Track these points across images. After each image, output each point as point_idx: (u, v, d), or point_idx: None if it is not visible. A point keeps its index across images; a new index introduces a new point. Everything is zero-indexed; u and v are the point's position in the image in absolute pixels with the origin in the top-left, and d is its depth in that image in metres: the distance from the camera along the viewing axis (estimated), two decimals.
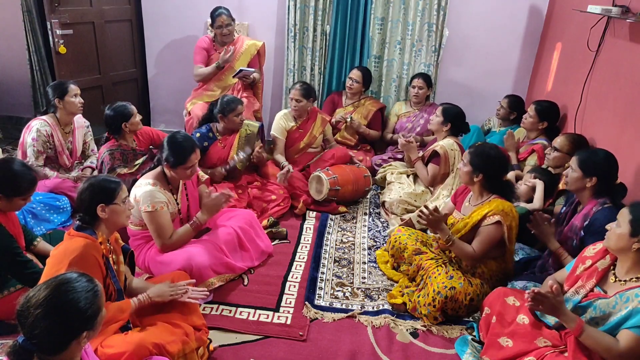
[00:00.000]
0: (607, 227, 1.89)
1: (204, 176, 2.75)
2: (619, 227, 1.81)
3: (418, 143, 3.72)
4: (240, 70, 3.98)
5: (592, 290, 1.89)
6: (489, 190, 2.52)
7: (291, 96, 3.77)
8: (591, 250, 2.00)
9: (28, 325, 1.26)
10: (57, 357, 1.31)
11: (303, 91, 3.74)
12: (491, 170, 2.48)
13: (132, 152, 3.28)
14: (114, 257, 1.99)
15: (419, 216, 2.46)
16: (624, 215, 1.81)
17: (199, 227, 2.57)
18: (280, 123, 3.85)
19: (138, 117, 3.26)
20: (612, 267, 1.89)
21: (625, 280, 1.81)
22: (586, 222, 2.27)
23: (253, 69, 4.08)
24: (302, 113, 3.82)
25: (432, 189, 3.53)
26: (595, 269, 1.92)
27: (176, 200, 2.59)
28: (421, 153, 3.64)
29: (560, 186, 2.85)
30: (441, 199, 3.32)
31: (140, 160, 3.26)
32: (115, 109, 3.19)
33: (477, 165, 2.47)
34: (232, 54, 3.91)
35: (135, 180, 2.55)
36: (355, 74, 4.20)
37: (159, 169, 2.54)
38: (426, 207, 2.43)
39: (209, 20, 4.41)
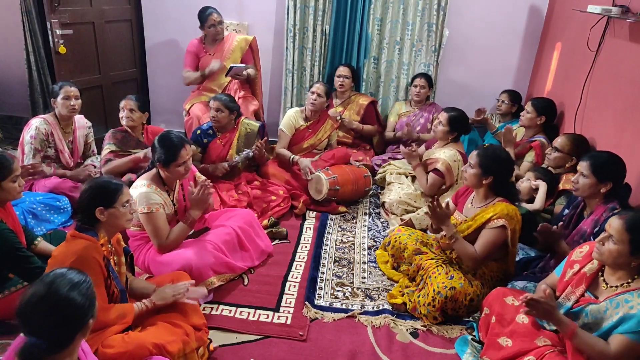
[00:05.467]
0: (597, 241, 1.83)
1: (200, 177, 2.74)
2: (615, 245, 1.76)
3: (414, 143, 3.65)
4: (231, 68, 3.96)
5: (582, 295, 1.89)
6: (494, 193, 2.49)
7: (313, 89, 3.78)
8: (578, 253, 1.99)
9: (35, 324, 1.27)
10: (62, 353, 1.32)
11: (325, 88, 3.80)
12: (501, 172, 2.45)
13: (135, 141, 3.33)
14: (115, 258, 1.99)
15: (429, 206, 2.43)
16: (620, 232, 1.74)
17: (193, 224, 2.55)
18: (291, 120, 3.84)
19: (126, 113, 3.24)
20: (600, 272, 1.89)
21: (616, 286, 1.81)
22: (597, 229, 2.24)
23: (244, 65, 4.06)
24: (317, 110, 3.82)
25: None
26: (583, 274, 1.91)
27: (172, 201, 2.58)
28: (420, 148, 3.62)
29: (561, 186, 2.85)
30: (442, 200, 3.31)
31: (136, 152, 3.27)
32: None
33: (487, 168, 2.43)
34: (219, 66, 3.94)
35: (132, 182, 2.55)
36: (344, 70, 4.18)
37: (154, 170, 2.53)
38: (437, 199, 2.41)
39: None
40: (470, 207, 2.58)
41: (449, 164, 3.28)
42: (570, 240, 2.39)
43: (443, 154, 3.33)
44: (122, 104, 3.27)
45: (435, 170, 3.32)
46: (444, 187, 3.38)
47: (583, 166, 2.32)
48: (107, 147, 3.27)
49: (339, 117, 4.14)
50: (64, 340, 1.31)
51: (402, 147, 3.62)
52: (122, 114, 3.27)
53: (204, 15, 3.98)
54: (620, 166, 2.29)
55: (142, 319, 1.97)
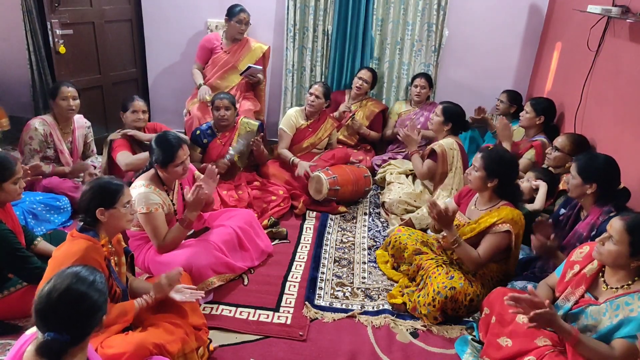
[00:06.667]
0: (597, 241, 1.84)
1: (200, 176, 2.74)
2: (615, 245, 1.76)
3: (419, 136, 3.63)
4: (249, 67, 3.99)
5: (582, 296, 1.89)
6: (499, 196, 2.48)
7: (312, 91, 3.79)
8: (578, 253, 1.99)
9: (57, 318, 1.28)
10: (78, 346, 1.33)
11: (324, 89, 3.80)
12: (507, 175, 2.44)
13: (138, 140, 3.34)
14: (115, 259, 1.99)
15: (430, 206, 2.39)
16: (620, 233, 1.75)
17: (190, 225, 2.54)
18: (291, 119, 3.84)
19: (141, 115, 3.28)
20: (600, 273, 1.89)
21: (616, 288, 1.81)
22: (593, 233, 2.24)
23: (260, 67, 4.10)
24: (316, 111, 3.83)
25: (430, 188, 3.51)
26: (583, 275, 1.91)
27: (172, 201, 2.58)
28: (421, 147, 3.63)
29: (561, 186, 2.85)
30: (441, 200, 3.31)
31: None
32: (123, 101, 3.29)
33: (492, 171, 2.41)
34: (208, 95, 3.95)
35: (130, 183, 2.55)
36: (366, 74, 4.19)
37: (152, 170, 2.53)
38: (447, 209, 2.37)
39: (211, 21, 4.43)
40: (474, 210, 2.57)
41: (445, 149, 3.31)
42: (567, 243, 2.39)
43: (441, 141, 3.38)
44: (135, 105, 3.25)
45: (432, 156, 3.35)
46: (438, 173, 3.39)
47: (572, 167, 2.35)
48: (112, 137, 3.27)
49: (351, 109, 4.14)
50: (83, 333, 1.34)
51: (400, 130, 3.61)
52: (135, 117, 3.26)
53: (235, 10, 4.00)
54: (604, 168, 2.27)
55: (143, 318, 1.97)
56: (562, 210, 2.56)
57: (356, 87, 4.22)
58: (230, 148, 3.43)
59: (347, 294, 2.65)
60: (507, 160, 2.46)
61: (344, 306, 2.55)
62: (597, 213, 2.27)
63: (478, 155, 2.50)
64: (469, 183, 2.60)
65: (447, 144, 3.35)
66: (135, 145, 3.31)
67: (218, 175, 2.74)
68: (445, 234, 2.49)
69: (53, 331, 1.28)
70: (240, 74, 4.06)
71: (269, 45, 4.25)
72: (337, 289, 2.69)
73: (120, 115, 3.35)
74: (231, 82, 4.12)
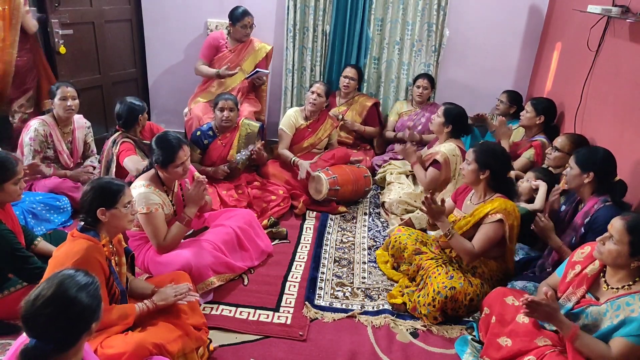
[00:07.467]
0: (598, 240, 1.84)
1: (199, 177, 2.74)
2: (615, 245, 1.76)
3: (415, 144, 3.60)
4: (257, 71, 4.00)
5: (583, 297, 1.89)
6: (493, 189, 2.52)
7: (313, 89, 3.78)
8: (580, 254, 2.00)
9: (40, 326, 1.26)
10: (68, 353, 1.31)
11: (325, 88, 3.81)
12: (498, 166, 2.48)
13: (139, 140, 3.33)
14: (116, 258, 1.99)
15: (423, 202, 2.46)
16: (621, 233, 1.75)
17: (189, 223, 2.55)
18: (291, 119, 3.84)
19: (144, 114, 3.31)
20: (602, 274, 1.89)
21: (617, 288, 1.81)
22: (587, 220, 2.27)
23: (268, 71, 4.11)
24: (317, 110, 3.83)
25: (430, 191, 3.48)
26: (584, 275, 1.92)
27: (171, 201, 2.58)
28: (422, 150, 3.62)
29: (561, 186, 2.85)
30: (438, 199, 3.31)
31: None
32: (131, 104, 3.21)
33: (483, 162, 2.47)
34: (233, 74, 3.96)
35: (130, 183, 2.55)
36: (351, 71, 4.18)
37: (152, 170, 2.53)
38: (431, 194, 2.45)
39: (211, 21, 4.43)
40: (470, 204, 2.60)
41: (448, 157, 3.28)
42: (566, 235, 2.40)
43: (442, 148, 3.34)
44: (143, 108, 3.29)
45: (435, 164, 3.32)
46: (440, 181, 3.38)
47: (570, 158, 2.41)
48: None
49: (340, 117, 4.14)
50: (70, 341, 1.31)
51: (397, 146, 3.59)
52: (144, 117, 3.28)
53: (238, 13, 3.99)
54: (601, 157, 2.32)
55: (143, 318, 1.97)
56: (564, 207, 2.58)
57: (343, 85, 4.21)
58: (237, 156, 3.43)
59: (347, 294, 2.65)
60: (497, 152, 2.53)
61: (344, 306, 2.55)
62: (593, 202, 2.29)
63: (470, 150, 2.56)
64: (463, 178, 2.63)
65: (449, 150, 3.29)
66: (138, 148, 3.30)
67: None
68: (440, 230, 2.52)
69: (37, 338, 1.25)
70: (246, 78, 4.05)
71: (272, 46, 4.25)
72: (337, 289, 2.69)
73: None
74: (234, 82, 4.12)
